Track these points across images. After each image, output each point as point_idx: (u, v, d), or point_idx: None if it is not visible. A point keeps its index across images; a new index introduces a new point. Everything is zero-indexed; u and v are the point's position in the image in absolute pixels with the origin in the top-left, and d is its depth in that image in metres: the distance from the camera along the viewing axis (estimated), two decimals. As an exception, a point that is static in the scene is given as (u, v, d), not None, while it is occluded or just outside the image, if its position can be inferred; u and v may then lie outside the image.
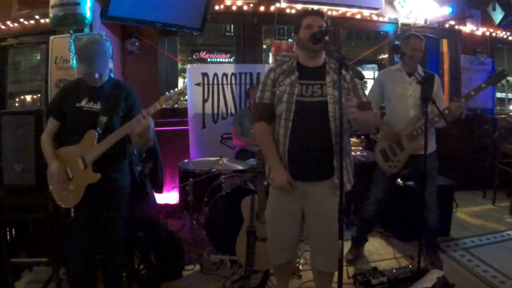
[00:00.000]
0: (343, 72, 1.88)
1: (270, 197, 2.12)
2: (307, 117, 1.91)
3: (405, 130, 2.74)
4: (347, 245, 2.96)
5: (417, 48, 2.74)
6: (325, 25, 1.93)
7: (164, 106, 2.07)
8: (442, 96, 2.89)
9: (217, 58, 6.50)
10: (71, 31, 3.14)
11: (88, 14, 3.12)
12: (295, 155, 1.93)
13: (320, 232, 1.98)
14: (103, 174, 2.08)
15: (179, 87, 2.14)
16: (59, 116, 2.15)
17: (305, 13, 2.01)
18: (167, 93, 2.08)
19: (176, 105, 2.10)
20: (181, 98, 2.11)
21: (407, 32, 2.98)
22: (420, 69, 2.83)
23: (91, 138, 2.06)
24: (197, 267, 2.88)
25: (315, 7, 4.36)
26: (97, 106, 2.10)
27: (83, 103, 2.10)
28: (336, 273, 1.81)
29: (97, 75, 2.08)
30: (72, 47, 3.32)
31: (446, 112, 2.58)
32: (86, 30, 3.24)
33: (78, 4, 3.05)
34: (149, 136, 2.11)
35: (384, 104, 2.96)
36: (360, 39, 8.40)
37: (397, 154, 2.78)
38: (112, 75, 3.40)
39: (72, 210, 2.10)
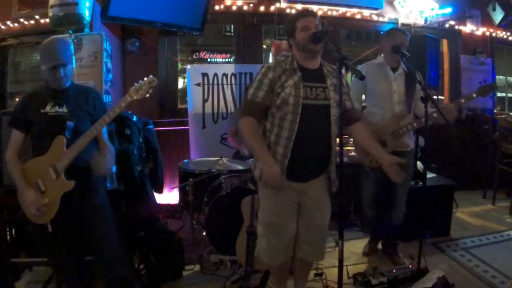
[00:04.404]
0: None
1: (264, 197, 2.07)
2: (312, 120, 1.92)
3: (390, 127, 2.68)
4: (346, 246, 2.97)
5: (403, 43, 2.70)
6: (320, 25, 1.93)
7: (135, 97, 2.01)
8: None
9: (217, 58, 6.50)
10: (70, 31, 3.14)
11: (86, 14, 3.11)
12: (297, 158, 1.93)
13: (313, 225, 2.06)
14: (77, 179, 1.97)
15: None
16: (24, 127, 2.02)
17: (299, 15, 2.00)
18: (135, 84, 2.02)
19: (147, 95, 2.03)
20: (151, 90, 2.04)
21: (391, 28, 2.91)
22: (402, 64, 2.78)
23: (59, 144, 1.95)
24: (197, 267, 2.88)
25: (315, 7, 4.38)
26: (63, 109, 2.01)
27: (48, 108, 2.00)
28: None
29: (62, 72, 1.97)
30: (71, 47, 3.31)
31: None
32: (86, 30, 3.24)
33: (76, 4, 3.05)
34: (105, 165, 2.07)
35: (365, 98, 2.90)
36: (360, 39, 8.40)
37: None
38: (111, 75, 3.41)
39: (49, 225, 1.98)
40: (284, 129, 1.92)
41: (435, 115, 2.52)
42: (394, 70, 2.75)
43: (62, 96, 2.04)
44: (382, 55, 2.82)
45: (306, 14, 1.98)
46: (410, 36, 2.76)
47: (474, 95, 2.56)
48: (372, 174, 2.79)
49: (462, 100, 2.64)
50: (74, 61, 2.10)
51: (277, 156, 1.95)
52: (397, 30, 2.83)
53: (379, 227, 3.05)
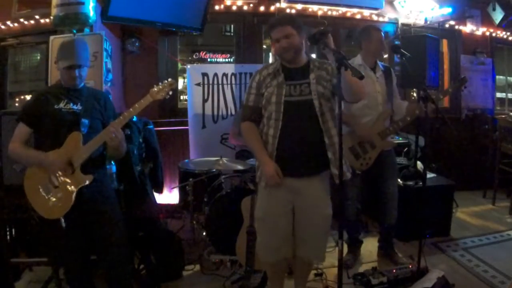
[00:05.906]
0: (324, 66, 2.03)
1: (260, 196, 2.13)
2: (296, 115, 1.96)
3: (376, 127, 2.67)
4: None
5: (381, 40, 2.68)
6: (295, 31, 1.93)
7: (155, 98, 2.03)
8: (397, 91, 2.89)
9: (217, 58, 6.50)
10: (74, 31, 3.14)
11: (91, 13, 3.11)
12: (284, 153, 1.97)
13: (309, 226, 2.04)
14: (89, 174, 1.96)
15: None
16: (32, 122, 2.00)
17: (270, 26, 2.03)
18: (155, 86, 2.05)
19: (167, 96, 2.06)
20: (171, 92, 2.07)
21: (367, 27, 2.82)
22: (379, 63, 2.78)
23: (75, 140, 1.95)
24: (197, 267, 2.88)
25: (315, 7, 4.39)
26: (78, 106, 2.02)
27: (62, 105, 2.00)
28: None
29: (77, 73, 1.99)
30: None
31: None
32: (86, 30, 3.24)
33: (82, 3, 3.04)
34: (123, 149, 2.06)
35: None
36: (360, 39, 8.41)
37: (368, 151, 2.68)
38: (111, 75, 3.41)
39: (63, 220, 1.95)
40: (270, 128, 1.99)
41: (408, 118, 2.63)
42: (373, 70, 2.75)
43: (76, 95, 2.06)
44: (359, 55, 2.78)
45: (276, 24, 1.99)
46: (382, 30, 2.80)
47: (450, 89, 2.70)
48: (359, 178, 2.78)
49: (441, 96, 2.72)
50: (88, 65, 2.11)
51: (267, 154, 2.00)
52: (372, 28, 2.77)
53: (356, 230, 3.03)
